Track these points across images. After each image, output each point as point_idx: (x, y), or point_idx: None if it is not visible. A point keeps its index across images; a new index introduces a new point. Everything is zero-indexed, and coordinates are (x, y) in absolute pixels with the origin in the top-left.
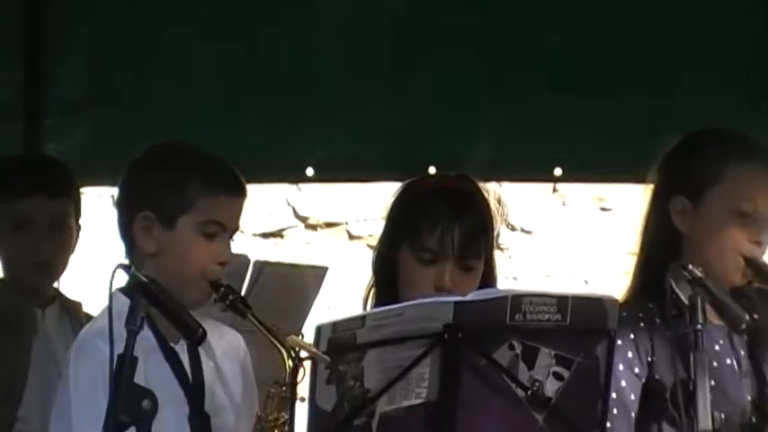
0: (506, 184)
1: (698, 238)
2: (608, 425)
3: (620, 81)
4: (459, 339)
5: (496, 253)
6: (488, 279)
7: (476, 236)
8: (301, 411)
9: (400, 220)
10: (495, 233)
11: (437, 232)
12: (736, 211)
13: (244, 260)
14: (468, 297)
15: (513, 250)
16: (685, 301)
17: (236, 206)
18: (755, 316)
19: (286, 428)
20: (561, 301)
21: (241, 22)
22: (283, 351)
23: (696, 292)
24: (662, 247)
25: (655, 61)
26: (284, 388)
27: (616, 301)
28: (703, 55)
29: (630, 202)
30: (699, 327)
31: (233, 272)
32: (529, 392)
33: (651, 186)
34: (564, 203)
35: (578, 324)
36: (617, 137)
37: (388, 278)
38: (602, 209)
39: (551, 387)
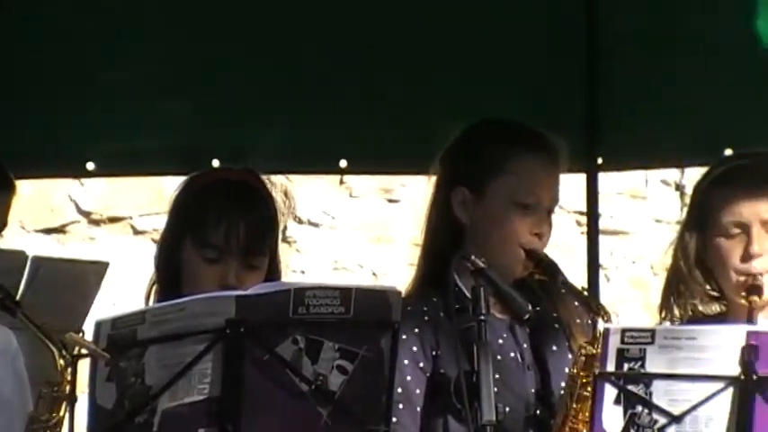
0: (293, 177)
1: (480, 229)
2: (393, 419)
3: (403, 74)
4: (242, 334)
5: (284, 246)
6: (273, 274)
7: (261, 232)
8: (83, 410)
9: (183, 216)
10: (282, 227)
11: (222, 228)
12: (517, 202)
13: (21, 256)
14: (251, 291)
15: (300, 243)
16: (468, 293)
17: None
18: (538, 308)
19: (58, 429)
20: (344, 293)
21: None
22: (54, 349)
23: (479, 283)
24: (445, 239)
25: (437, 54)
26: (55, 387)
27: (400, 293)
28: (481, 47)
29: (417, 194)
30: (482, 318)
31: (11, 268)
32: (312, 386)
33: (434, 178)
34: (351, 195)
35: (362, 317)
36: (402, 129)
37: (172, 274)
38: (390, 200)
39: (335, 381)
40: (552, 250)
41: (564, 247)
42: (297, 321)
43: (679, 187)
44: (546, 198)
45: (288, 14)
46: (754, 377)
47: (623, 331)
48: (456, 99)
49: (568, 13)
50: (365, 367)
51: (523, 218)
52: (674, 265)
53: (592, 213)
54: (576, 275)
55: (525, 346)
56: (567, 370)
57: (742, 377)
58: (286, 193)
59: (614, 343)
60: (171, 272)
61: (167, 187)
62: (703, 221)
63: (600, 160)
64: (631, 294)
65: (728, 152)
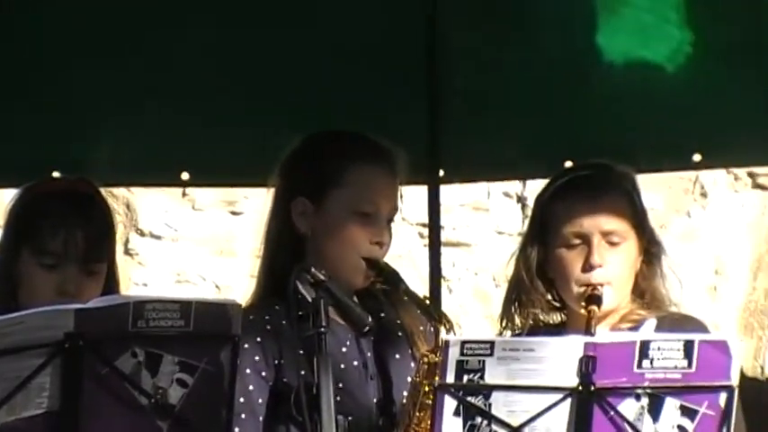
0: (135, 189)
1: (320, 239)
2: (236, 429)
3: (245, 86)
4: (81, 348)
5: (127, 259)
6: (111, 284)
7: (99, 238)
8: None
9: (20, 225)
10: (125, 239)
11: (60, 235)
12: (357, 212)
13: None
14: (90, 304)
15: (143, 256)
16: (310, 299)
17: None
18: (382, 315)
19: None
20: (184, 307)
21: None
22: None
23: (319, 294)
24: (285, 250)
25: (277, 65)
26: None
27: (240, 306)
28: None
29: (260, 206)
30: (322, 329)
31: None
32: (152, 400)
33: (273, 189)
34: (194, 208)
35: (202, 330)
36: (243, 141)
37: (9, 285)
38: (233, 213)
39: (175, 394)
40: (395, 262)
41: (407, 258)
42: (136, 335)
43: (521, 199)
44: (385, 207)
45: (128, 25)
46: (592, 388)
47: (462, 343)
48: (297, 110)
49: (409, 25)
50: (205, 380)
51: (363, 227)
52: (515, 275)
53: (434, 225)
54: (419, 287)
55: (369, 354)
56: (409, 378)
57: (580, 388)
58: (128, 206)
59: (454, 354)
60: (9, 282)
61: (6, 200)
62: (545, 233)
63: (442, 172)
64: (474, 306)
65: (569, 164)
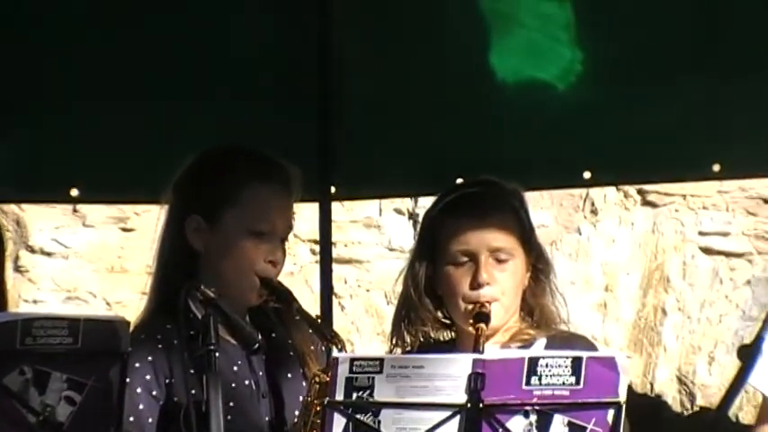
0: (26, 206)
1: (214, 257)
2: None
3: (138, 102)
4: None
5: (17, 276)
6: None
7: None
8: None
9: None
10: (15, 256)
11: None
12: (251, 230)
13: None
14: None
15: (33, 273)
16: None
17: None
18: (274, 335)
19: None
20: (72, 324)
21: None
22: None
23: (209, 312)
24: (178, 267)
25: (166, 81)
26: None
27: (128, 323)
28: (214, 74)
29: (152, 223)
30: (212, 347)
31: None
32: (40, 418)
33: (167, 206)
34: (84, 224)
35: (90, 347)
36: (134, 157)
37: None
38: (124, 229)
39: (63, 412)
40: (288, 279)
41: (299, 275)
42: (24, 352)
43: (412, 216)
44: (280, 226)
45: (17, 41)
46: (481, 405)
47: (352, 360)
48: (189, 125)
49: (301, 40)
50: (94, 397)
51: (258, 246)
52: (404, 292)
53: (325, 242)
54: (312, 304)
55: (261, 373)
56: (301, 398)
57: (468, 405)
58: (18, 222)
59: (343, 372)
60: None
61: None
62: (433, 250)
63: (333, 189)
64: (366, 323)
65: (459, 181)
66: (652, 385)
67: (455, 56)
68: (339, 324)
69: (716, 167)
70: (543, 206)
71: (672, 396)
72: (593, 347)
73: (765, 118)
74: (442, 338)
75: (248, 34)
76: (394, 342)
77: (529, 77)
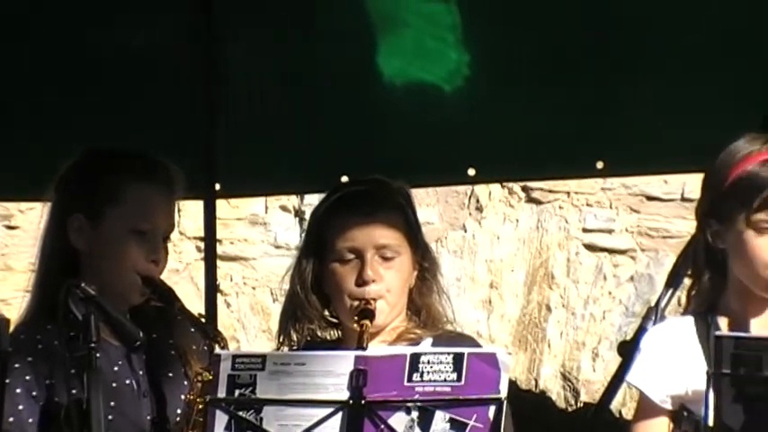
0: None
1: (96, 256)
2: None
3: (17, 96)
4: None
5: None
6: None
7: None
8: None
9: None
10: None
11: None
12: (133, 229)
13: None
14: None
15: None
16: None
17: None
18: (154, 335)
19: None
20: None
21: None
22: None
23: (89, 310)
24: (60, 266)
25: (52, 81)
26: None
27: (8, 321)
28: (101, 73)
29: (36, 221)
30: (92, 345)
31: None
32: None
33: (50, 204)
34: None
35: None
36: (19, 156)
37: None
38: (8, 227)
39: None
40: (173, 276)
41: (185, 273)
42: None
43: (298, 213)
44: (162, 225)
45: None
46: (363, 402)
47: (234, 357)
48: (74, 125)
49: (186, 41)
50: None
51: (140, 245)
52: (291, 290)
53: (210, 239)
54: (197, 301)
55: (141, 373)
56: (183, 396)
57: (350, 402)
58: None
59: (225, 369)
60: None
61: None
62: (320, 247)
63: (218, 186)
64: (252, 320)
65: (344, 179)
66: (536, 381)
67: (341, 55)
68: (225, 322)
69: (599, 165)
70: (429, 203)
71: (556, 392)
72: (477, 345)
73: (648, 116)
74: (328, 337)
75: (133, 33)
76: (281, 340)
77: (416, 79)
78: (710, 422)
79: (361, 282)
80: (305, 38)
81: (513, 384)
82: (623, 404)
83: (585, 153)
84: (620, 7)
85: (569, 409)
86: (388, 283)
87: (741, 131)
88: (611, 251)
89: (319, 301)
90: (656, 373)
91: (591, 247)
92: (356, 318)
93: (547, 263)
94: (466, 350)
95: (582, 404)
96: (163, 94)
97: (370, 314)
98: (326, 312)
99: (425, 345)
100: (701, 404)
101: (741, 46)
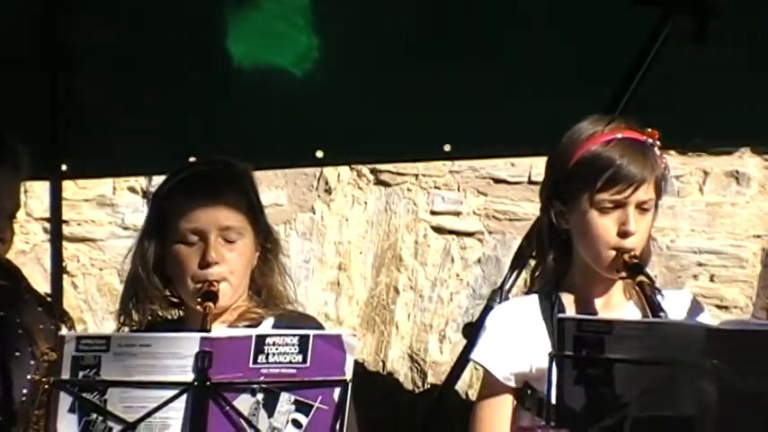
0: None
1: None
2: None
3: None
4: None
5: None
6: None
7: None
8: None
9: None
10: None
11: None
12: None
13: None
14: None
15: None
16: None
17: None
18: (1, 314)
19: None
20: None
21: None
22: None
23: None
24: None
25: None
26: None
27: None
28: None
29: None
30: None
31: None
32: None
33: None
34: None
35: None
36: None
37: None
38: None
39: None
40: (20, 257)
41: (32, 254)
42: None
43: (146, 194)
44: (7, 204)
45: None
46: (208, 383)
47: (78, 339)
48: None
49: (29, 21)
50: None
51: None
52: (132, 271)
53: (56, 220)
54: (44, 282)
55: None
56: (29, 376)
57: (195, 383)
58: None
59: (69, 350)
60: None
61: None
62: (163, 228)
63: (64, 167)
64: (99, 301)
65: (192, 159)
66: (384, 363)
67: (189, 37)
68: (71, 303)
69: (447, 148)
70: (278, 185)
71: (404, 374)
72: (320, 327)
73: (494, 99)
74: (170, 317)
75: None
76: (122, 320)
77: (265, 61)
78: (553, 400)
79: (204, 264)
80: (152, 18)
81: (360, 366)
82: (470, 386)
83: (433, 136)
84: None
85: (417, 391)
86: (231, 265)
87: (585, 114)
88: (458, 233)
89: (161, 282)
90: (500, 350)
91: (439, 230)
92: (199, 300)
93: (395, 245)
94: (311, 332)
95: (429, 386)
96: (7, 74)
97: (213, 296)
98: (168, 293)
99: (267, 325)
100: (544, 382)
101: (584, 29)
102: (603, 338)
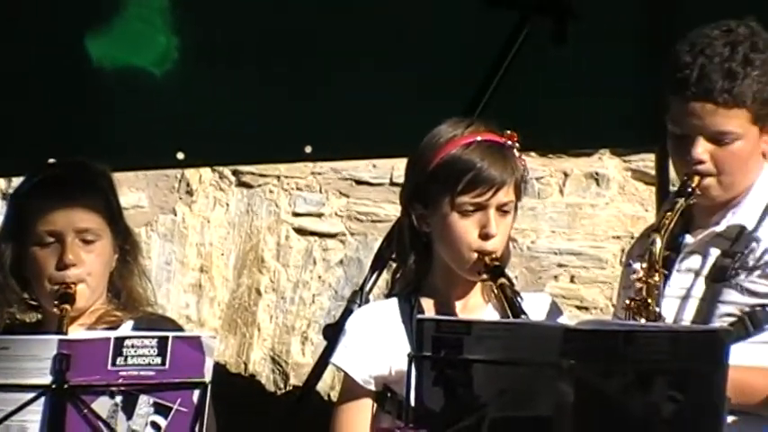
0: None
1: None
2: None
3: None
4: None
5: None
6: None
7: None
8: None
9: None
10: None
11: None
12: None
13: None
14: None
15: None
16: None
17: None
18: None
19: None
20: None
21: None
22: None
23: None
24: None
25: None
26: None
27: None
28: None
29: None
30: None
31: None
32: None
33: None
34: None
35: None
36: None
37: None
38: None
39: None
40: None
41: None
42: None
43: (5, 196)
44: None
45: None
46: (65, 386)
47: None
48: None
49: None
50: None
51: None
52: None
53: None
54: None
55: None
56: None
57: (53, 386)
58: None
59: None
60: None
61: None
62: (20, 230)
63: None
64: None
65: (51, 161)
66: (246, 365)
67: (48, 37)
68: None
69: (308, 149)
70: (139, 187)
71: (266, 375)
72: (180, 329)
73: (355, 101)
74: (27, 320)
75: None
76: None
77: (125, 62)
78: (412, 403)
79: (61, 266)
80: (11, 19)
81: (222, 368)
82: (332, 387)
83: (294, 137)
84: None
85: (279, 393)
86: (88, 267)
87: (445, 116)
88: (320, 235)
89: (19, 285)
90: (359, 354)
91: (301, 231)
92: (56, 302)
93: (257, 247)
94: (170, 334)
95: (291, 387)
96: None
97: (69, 298)
98: (26, 295)
99: (126, 327)
100: (404, 384)
101: (442, 31)
102: (462, 339)
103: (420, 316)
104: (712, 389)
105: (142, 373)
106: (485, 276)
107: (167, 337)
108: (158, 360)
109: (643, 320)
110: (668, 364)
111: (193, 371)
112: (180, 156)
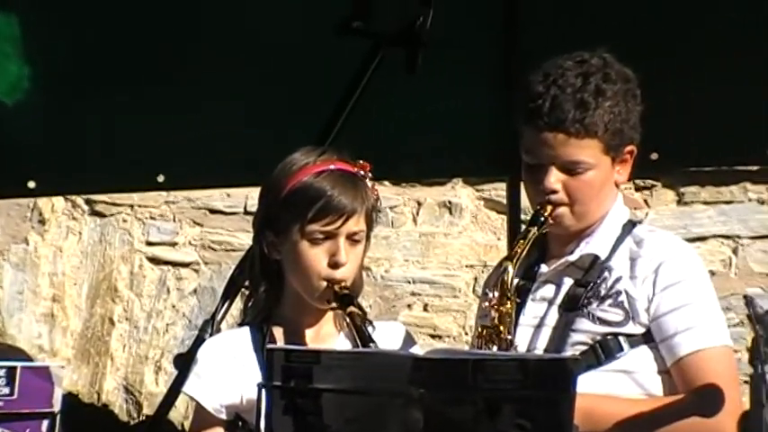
0: None
1: None
2: None
3: None
4: None
5: None
6: None
7: None
8: None
9: None
10: None
11: None
12: None
13: None
14: None
15: None
16: None
17: None
18: None
19: None
20: None
21: None
22: None
23: None
24: None
25: None
26: None
27: None
28: None
29: None
30: None
31: None
32: None
33: None
34: None
35: None
36: None
37: None
38: None
39: None
40: None
41: None
42: None
43: None
44: None
45: None
46: None
47: None
48: None
49: None
50: None
51: None
52: None
53: None
54: None
55: None
56: None
57: None
58: None
59: None
60: None
61: None
62: None
63: None
64: None
65: None
66: (99, 395)
67: None
68: None
69: (161, 178)
70: None
71: (119, 405)
72: (29, 359)
73: (208, 129)
74: None
75: None
76: None
77: None
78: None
79: None
80: None
81: (74, 398)
82: (185, 417)
83: (147, 166)
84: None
85: (132, 422)
86: None
87: (299, 144)
88: (174, 264)
89: None
90: (211, 383)
91: (155, 260)
92: None
93: (110, 276)
94: (19, 364)
95: (144, 417)
96: None
97: None
98: None
99: None
100: (254, 414)
101: (295, 58)
102: (312, 368)
103: (270, 346)
104: (559, 417)
105: None
106: (334, 305)
107: (16, 367)
108: (6, 390)
109: (495, 348)
110: (516, 392)
111: (41, 401)
112: (31, 185)
